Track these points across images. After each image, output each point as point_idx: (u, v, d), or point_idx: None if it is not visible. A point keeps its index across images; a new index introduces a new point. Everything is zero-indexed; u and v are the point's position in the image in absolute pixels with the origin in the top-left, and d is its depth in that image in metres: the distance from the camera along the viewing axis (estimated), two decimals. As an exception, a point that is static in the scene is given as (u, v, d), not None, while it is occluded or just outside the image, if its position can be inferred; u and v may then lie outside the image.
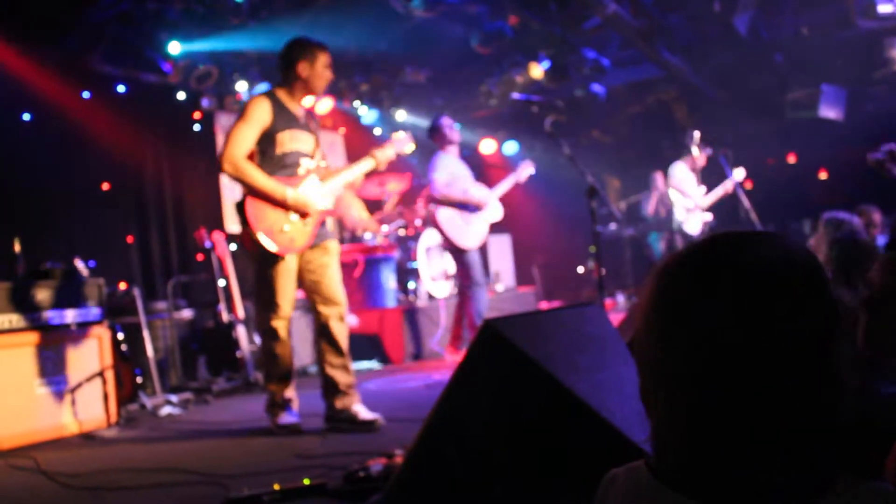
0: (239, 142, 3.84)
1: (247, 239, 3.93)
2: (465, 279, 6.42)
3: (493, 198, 6.49)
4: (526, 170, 6.76)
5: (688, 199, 7.65)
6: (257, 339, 5.90)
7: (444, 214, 6.28)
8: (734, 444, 0.91)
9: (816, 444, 0.90)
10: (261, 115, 3.91)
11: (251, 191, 3.87)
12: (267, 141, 3.93)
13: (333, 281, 4.07)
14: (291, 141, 4.01)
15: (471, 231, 6.37)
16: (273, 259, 3.88)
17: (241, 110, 3.98)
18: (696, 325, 0.92)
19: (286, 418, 4.00)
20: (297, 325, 6.58)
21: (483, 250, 8.89)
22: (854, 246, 2.70)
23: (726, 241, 0.96)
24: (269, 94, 4.03)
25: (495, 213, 6.54)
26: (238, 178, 3.85)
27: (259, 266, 3.95)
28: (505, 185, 6.67)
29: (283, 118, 3.98)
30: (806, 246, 0.96)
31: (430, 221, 6.43)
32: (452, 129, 6.48)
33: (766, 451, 0.90)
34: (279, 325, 3.99)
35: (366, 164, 4.21)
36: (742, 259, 0.93)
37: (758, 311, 0.89)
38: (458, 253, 6.37)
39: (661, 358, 0.96)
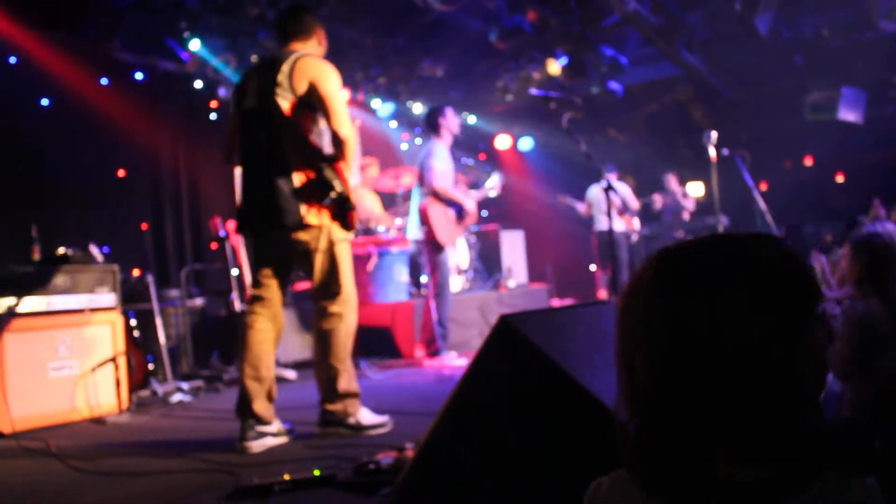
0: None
1: (351, 218, 3.64)
2: (432, 277, 6.30)
3: (474, 204, 6.46)
4: (498, 183, 6.83)
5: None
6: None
7: (435, 206, 6.18)
8: (699, 439, 0.92)
9: (781, 443, 0.91)
10: None
11: (335, 162, 3.60)
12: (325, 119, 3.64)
13: None
14: None
15: (452, 230, 6.29)
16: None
17: (330, 76, 3.58)
18: (667, 319, 0.94)
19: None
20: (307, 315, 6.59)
21: (495, 246, 8.91)
22: (883, 247, 2.62)
23: (711, 242, 0.99)
24: None
25: (473, 219, 6.52)
26: (349, 149, 3.57)
27: (345, 250, 3.69)
28: (479, 195, 6.67)
29: None
30: (792, 251, 0.97)
31: (420, 211, 6.25)
32: (455, 119, 6.32)
33: (731, 448, 0.92)
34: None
35: None
36: (716, 258, 0.96)
37: (722, 307, 0.91)
38: (435, 250, 6.21)
39: (635, 350, 0.98)
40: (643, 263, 1.02)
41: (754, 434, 0.91)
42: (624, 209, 8.45)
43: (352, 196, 3.60)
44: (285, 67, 3.55)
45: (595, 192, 8.83)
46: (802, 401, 0.92)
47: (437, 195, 6.17)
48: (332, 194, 3.52)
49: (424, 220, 6.18)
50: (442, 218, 6.20)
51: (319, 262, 3.59)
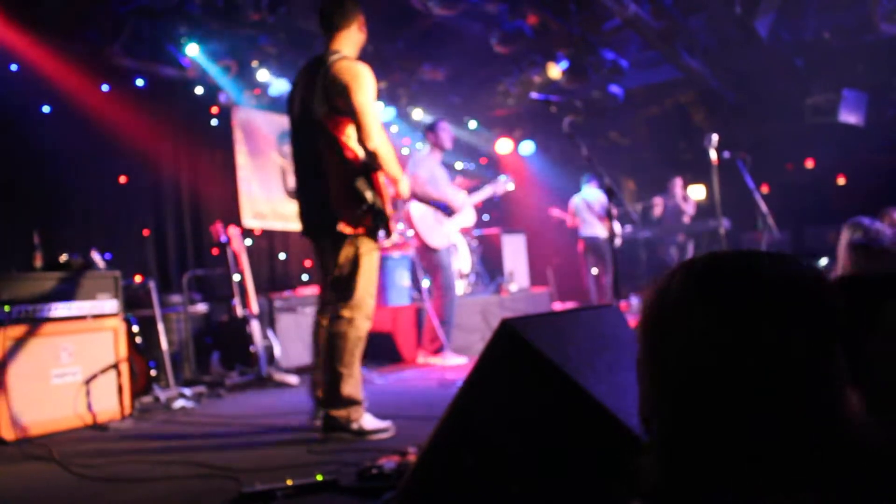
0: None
1: (383, 229, 3.69)
2: (434, 280, 6.38)
3: (467, 203, 6.53)
4: (504, 185, 6.99)
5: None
6: (270, 335, 5.93)
7: (418, 211, 6.29)
8: (740, 465, 0.89)
9: (809, 468, 0.87)
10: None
11: (373, 172, 3.62)
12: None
13: None
14: None
15: (441, 231, 6.39)
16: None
17: (363, 84, 3.57)
18: (680, 343, 0.93)
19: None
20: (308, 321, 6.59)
21: (497, 250, 8.91)
22: (865, 251, 2.64)
23: (723, 260, 0.97)
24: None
25: (468, 218, 6.59)
26: (383, 159, 3.58)
27: (370, 260, 3.72)
28: (481, 195, 6.79)
29: None
30: (809, 267, 0.95)
31: (403, 217, 6.40)
32: (448, 134, 6.47)
33: (772, 475, 0.88)
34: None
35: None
36: (732, 279, 0.93)
37: (740, 332, 0.89)
38: (428, 252, 6.34)
39: (653, 371, 0.96)
40: (672, 277, 0.99)
41: (799, 458, 0.88)
42: (606, 215, 8.59)
43: (387, 207, 3.65)
44: (323, 72, 3.59)
45: (577, 200, 9.12)
46: (843, 422, 0.89)
47: (417, 199, 6.26)
48: (363, 206, 3.57)
49: (410, 225, 6.33)
50: (426, 220, 6.30)
51: (341, 263, 3.65)
